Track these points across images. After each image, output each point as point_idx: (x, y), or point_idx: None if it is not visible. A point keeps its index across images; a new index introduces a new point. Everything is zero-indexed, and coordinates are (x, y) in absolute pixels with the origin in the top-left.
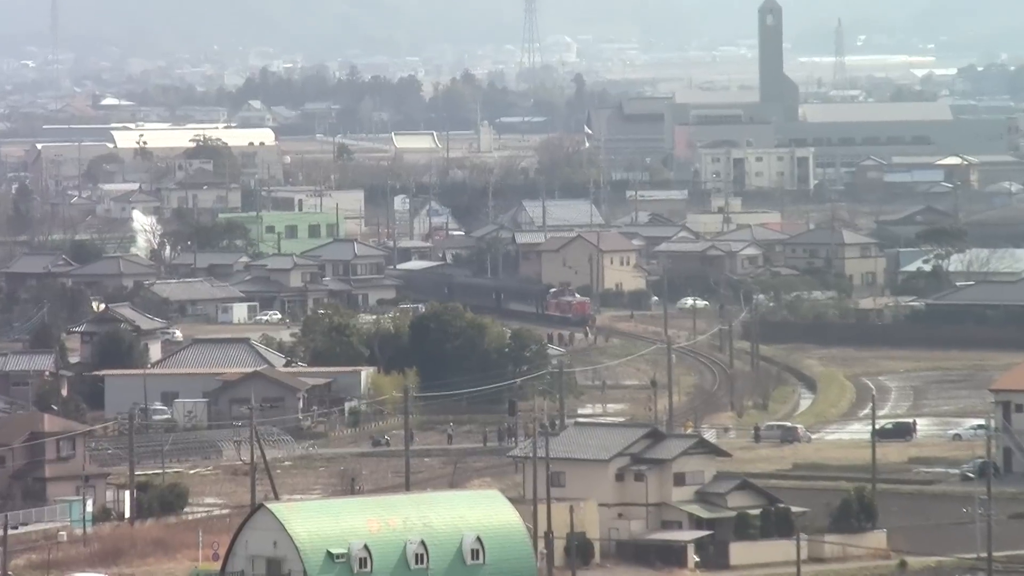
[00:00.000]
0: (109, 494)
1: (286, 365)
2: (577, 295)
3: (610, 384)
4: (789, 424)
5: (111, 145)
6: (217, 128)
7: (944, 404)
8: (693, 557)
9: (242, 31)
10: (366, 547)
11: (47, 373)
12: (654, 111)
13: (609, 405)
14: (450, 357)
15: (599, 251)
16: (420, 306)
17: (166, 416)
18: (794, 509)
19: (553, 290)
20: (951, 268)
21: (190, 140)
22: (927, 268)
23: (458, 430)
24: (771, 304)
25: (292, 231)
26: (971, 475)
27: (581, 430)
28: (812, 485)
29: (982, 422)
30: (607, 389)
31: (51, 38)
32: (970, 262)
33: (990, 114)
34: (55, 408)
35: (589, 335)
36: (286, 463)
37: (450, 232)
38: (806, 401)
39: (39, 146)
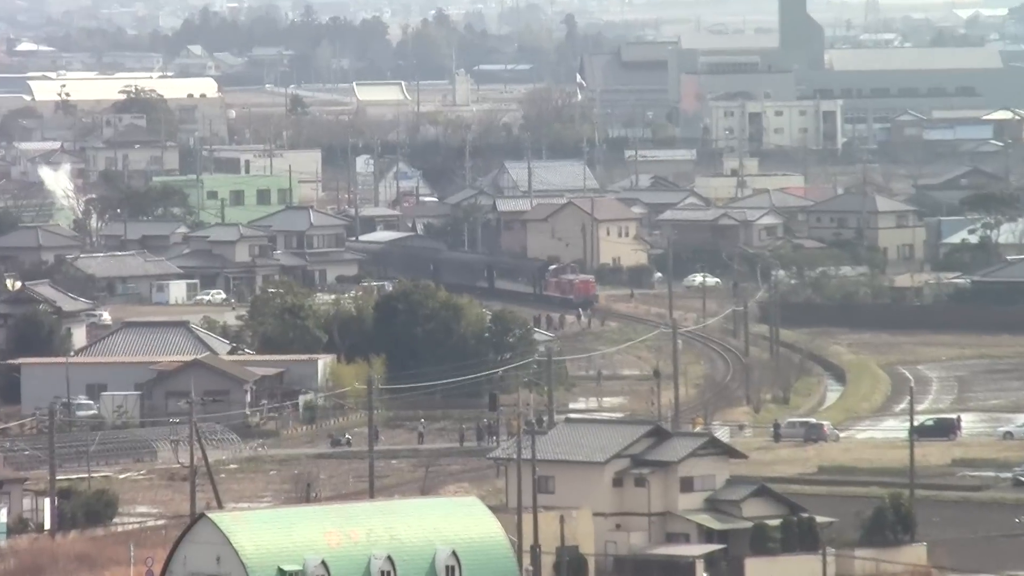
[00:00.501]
0: (26, 502)
1: (231, 352)
2: (580, 273)
3: (607, 374)
4: (814, 421)
5: (28, 97)
6: (151, 78)
7: (993, 397)
8: (703, 574)
9: None
10: (324, 563)
11: None
12: (657, 58)
13: (605, 399)
14: (421, 343)
15: (594, 220)
16: (386, 284)
17: (92, 412)
18: (819, 519)
19: (552, 267)
20: (1001, 239)
21: (119, 92)
22: (973, 240)
23: (430, 428)
24: (793, 282)
25: (238, 197)
26: None
27: (573, 428)
28: (840, 491)
29: None
30: (603, 380)
31: None
32: (1023, 233)
33: None
34: None
35: (583, 317)
36: (231, 466)
37: (421, 198)
38: (834, 394)
39: None
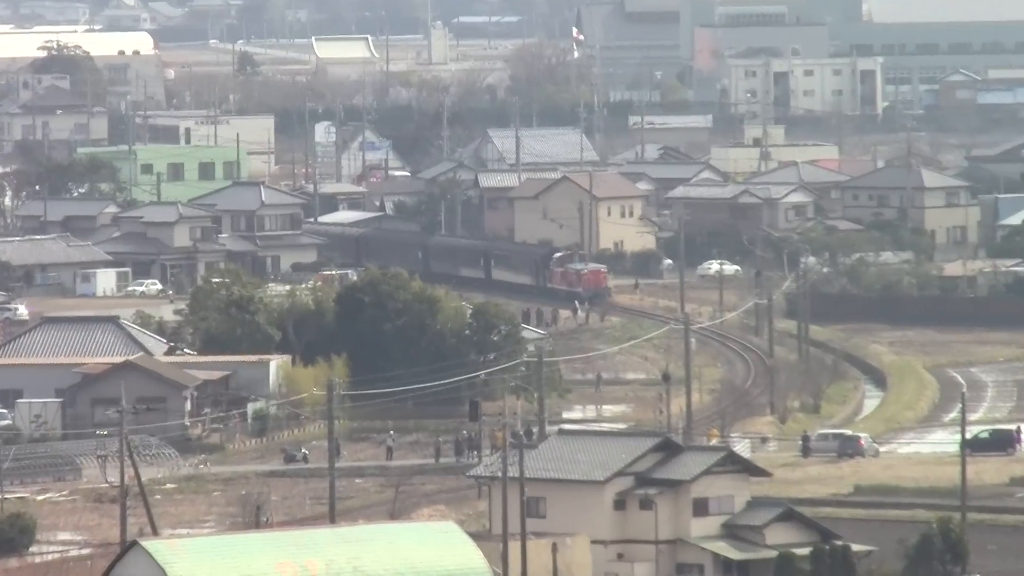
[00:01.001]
0: None
1: (168, 353)
2: (588, 261)
3: (607, 378)
4: (849, 432)
5: None
6: (75, 32)
7: None
8: None
9: None
10: None
11: None
12: (666, 8)
13: (606, 407)
14: (391, 342)
15: (592, 198)
16: (350, 272)
17: (5, 422)
18: (856, 547)
19: (557, 255)
20: None
21: (38, 48)
22: None
23: (401, 441)
24: (825, 270)
25: (177, 171)
26: None
27: (568, 441)
28: (880, 515)
29: None
30: (603, 385)
31: None
32: None
33: None
34: None
35: (579, 312)
36: (168, 486)
37: (390, 173)
38: (872, 401)
39: None
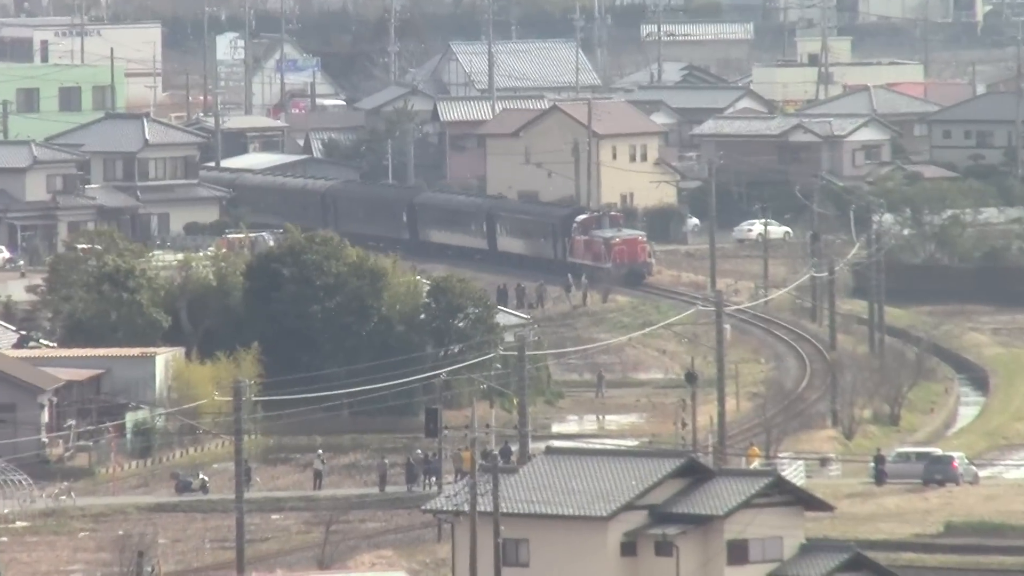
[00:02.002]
0: None
1: (19, 345)
2: (621, 226)
3: (612, 379)
4: (939, 452)
5: None
6: None
7: None
8: None
9: None
10: None
11: None
12: None
13: (611, 417)
14: (319, 330)
15: (592, 135)
16: (265, 235)
17: None
18: None
19: (581, 217)
20: None
21: None
22: None
23: (334, 463)
24: (906, 232)
25: (30, 99)
26: None
27: (559, 463)
28: (980, 563)
29: None
30: (607, 388)
31: None
32: None
33: None
34: None
35: (574, 288)
36: (19, 524)
37: (319, 102)
38: (970, 409)
39: None
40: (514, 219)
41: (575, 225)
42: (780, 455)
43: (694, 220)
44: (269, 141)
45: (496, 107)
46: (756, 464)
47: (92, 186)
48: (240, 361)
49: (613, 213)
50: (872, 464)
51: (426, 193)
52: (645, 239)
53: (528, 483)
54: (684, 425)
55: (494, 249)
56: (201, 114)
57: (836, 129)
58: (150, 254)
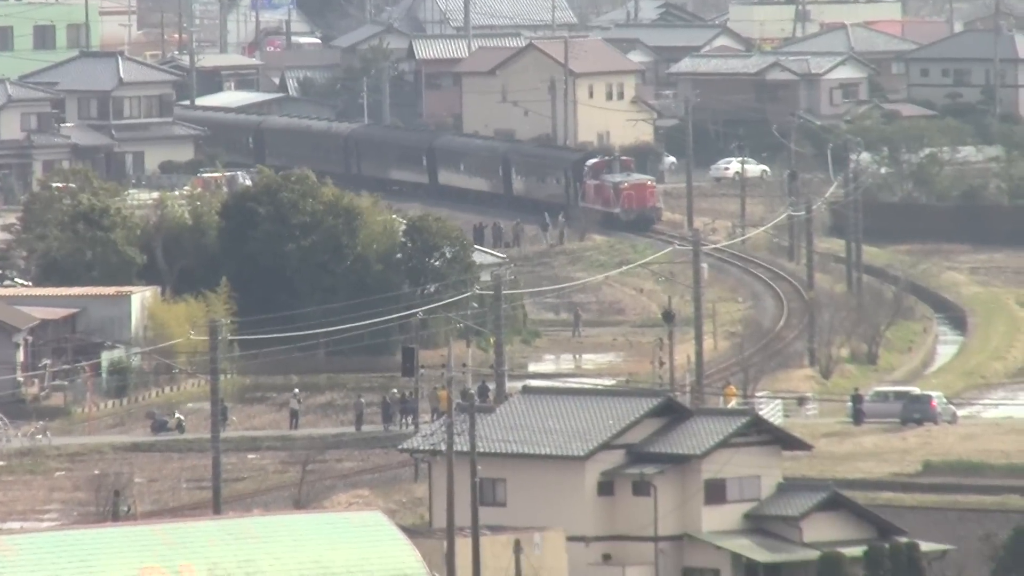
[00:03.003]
0: None
1: None
2: (630, 170)
3: (589, 319)
4: (916, 391)
5: None
6: None
7: None
8: None
9: None
10: None
11: None
12: None
13: (587, 356)
14: (295, 269)
15: (569, 74)
16: (241, 174)
17: None
18: (925, 546)
19: (592, 161)
20: None
21: None
22: None
23: (309, 403)
24: (884, 171)
25: (3, 37)
26: None
27: (536, 402)
28: (959, 502)
29: None
30: (584, 327)
31: None
32: None
33: None
34: None
35: (550, 228)
36: None
37: (294, 40)
38: (948, 348)
39: None
40: (528, 163)
41: (585, 169)
42: (757, 394)
43: (671, 159)
44: (244, 79)
45: (472, 45)
46: (733, 403)
47: (67, 125)
48: (215, 300)
49: (624, 158)
50: (850, 403)
51: (445, 136)
52: (654, 184)
53: (505, 423)
54: (661, 364)
55: (510, 193)
56: (176, 52)
57: (813, 67)
58: (125, 193)
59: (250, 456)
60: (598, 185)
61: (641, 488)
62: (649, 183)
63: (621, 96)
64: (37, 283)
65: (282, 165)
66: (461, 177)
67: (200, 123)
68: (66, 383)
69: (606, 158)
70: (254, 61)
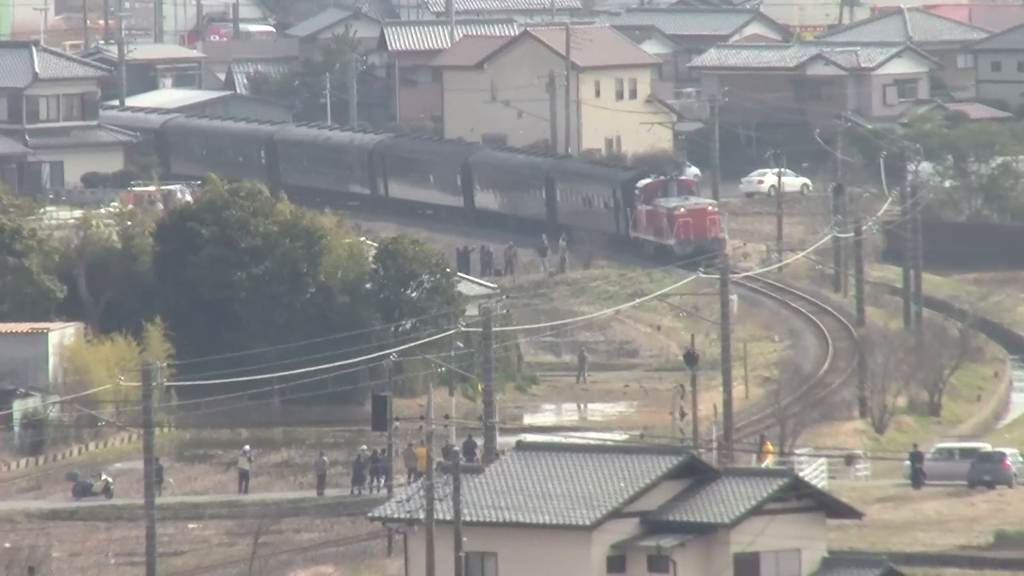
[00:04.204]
0: None
1: None
2: (690, 193)
3: (596, 361)
4: (987, 447)
5: None
6: None
7: None
8: None
9: None
10: None
11: None
12: None
13: (594, 406)
14: (245, 302)
15: (571, 68)
16: (180, 188)
17: None
18: None
19: (643, 183)
20: None
21: None
22: None
23: (263, 461)
24: (948, 184)
25: None
26: None
27: (533, 462)
28: None
29: None
30: (591, 372)
31: None
32: None
33: None
34: None
35: (550, 252)
36: None
37: (242, 28)
38: None
39: None
40: (575, 184)
41: (636, 192)
42: (797, 452)
43: (693, 169)
44: (183, 75)
45: (455, 34)
46: (769, 462)
47: None
48: (149, 339)
49: (683, 177)
50: (908, 462)
51: (483, 151)
52: (716, 209)
53: (496, 486)
54: (683, 415)
55: (554, 219)
56: (102, 42)
57: (863, 60)
58: (41, 211)
59: (191, 525)
60: (650, 211)
61: (658, 564)
62: (710, 208)
63: (634, 95)
64: None
65: (301, 185)
66: (499, 199)
67: (195, 135)
68: None
69: (661, 178)
70: (195, 53)
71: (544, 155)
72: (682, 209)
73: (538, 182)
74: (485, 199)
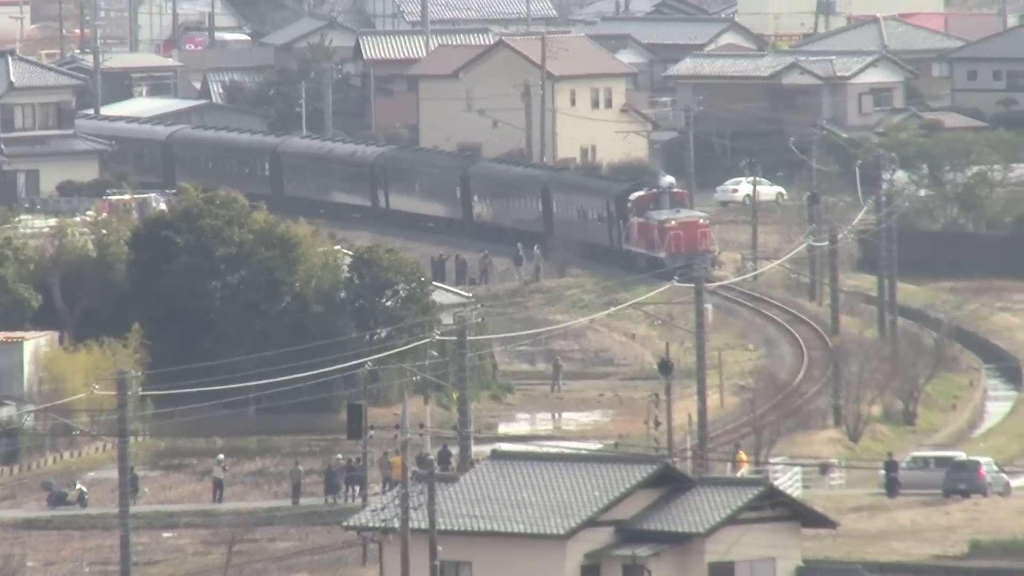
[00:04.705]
0: None
1: None
2: (682, 205)
3: (571, 370)
4: (962, 456)
5: None
6: None
7: None
8: None
9: None
10: None
11: None
12: None
13: (568, 415)
14: (220, 310)
15: (547, 76)
16: (154, 196)
17: None
18: None
19: (636, 195)
20: None
21: None
22: None
23: (237, 470)
24: (923, 193)
25: None
26: None
27: (507, 470)
28: None
29: None
30: (565, 380)
31: None
32: None
33: None
34: None
35: (524, 263)
36: None
37: (218, 37)
38: (1000, 405)
39: None
40: (571, 196)
41: (629, 204)
42: (772, 460)
43: (669, 178)
44: (159, 84)
45: (431, 43)
46: (744, 471)
47: None
48: (125, 347)
49: (676, 189)
50: (883, 471)
51: (481, 163)
52: (707, 222)
53: (470, 494)
54: (657, 424)
55: (551, 231)
56: (77, 51)
57: (839, 69)
58: (16, 219)
59: (165, 535)
60: (642, 223)
61: (633, 573)
62: (701, 221)
63: (609, 104)
64: None
65: (304, 197)
66: (497, 211)
67: (202, 147)
68: None
69: (653, 190)
70: (171, 62)
71: (542, 167)
72: (673, 222)
73: (534, 195)
74: (483, 211)
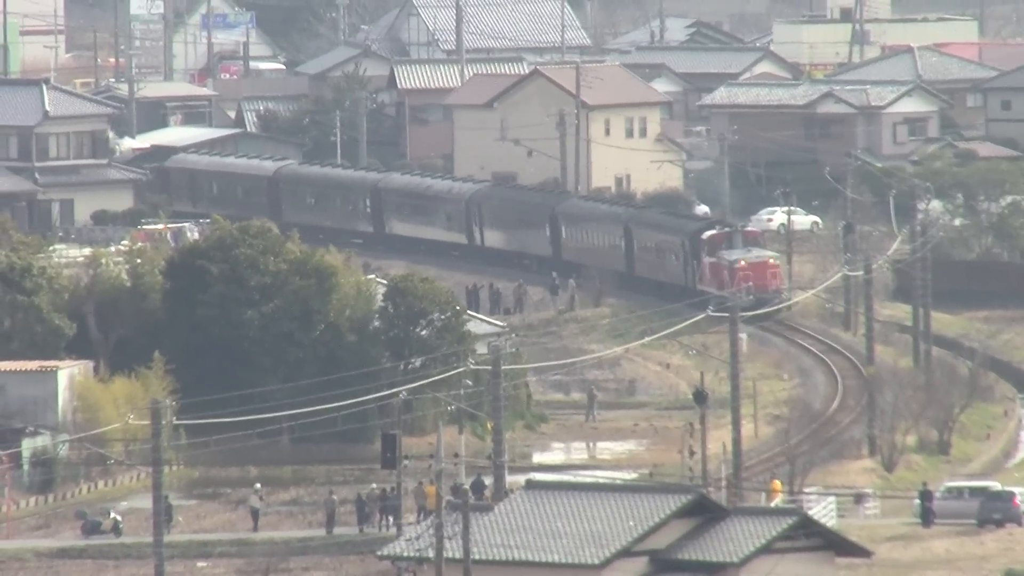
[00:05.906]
0: None
1: None
2: (752, 245)
3: (606, 400)
4: (996, 486)
5: None
6: None
7: None
8: None
9: None
10: None
11: None
12: None
13: (603, 444)
14: (255, 340)
15: (581, 106)
16: (188, 226)
17: None
18: None
19: (708, 233)
20: None
21: None
22: None
23: (272, 500)
24: (958, 223)
25: None
26: None
27: (542, 500)
28: None
29: None
30: (599, 410)
31: None
32: None
33: None
34: None
35: (560, 291)
36: None
37: (253, 66)
38: None
39: None
40: (649, 234)
41: (702, 243)
42: (806, 490)
43: (703, 207)
44: (193, 112)
45: (465, 72)
46: (778, 501)
47: None
48: (158, 377)
49: (748, 229)
50: (917, 501)
51: (572, 200)
52: (777, 262)
53: (505, 524)
54: (692, 454)
55: (632, 272)
56: (112, 80)
57: (873, 99)
58: (51, 248)
59: (200, 564)
60: (714, 263)
61: None
62: (771, 261)
63: (644, 133)
64: None
65: (401, 235)
66: (583, 251)
67: (306, 183)
68: None
69: (725, 230)
70: (205, 91)
71: (623, 204)
72: (743, 262)
73: (615, 232)
74: (572, 250)
